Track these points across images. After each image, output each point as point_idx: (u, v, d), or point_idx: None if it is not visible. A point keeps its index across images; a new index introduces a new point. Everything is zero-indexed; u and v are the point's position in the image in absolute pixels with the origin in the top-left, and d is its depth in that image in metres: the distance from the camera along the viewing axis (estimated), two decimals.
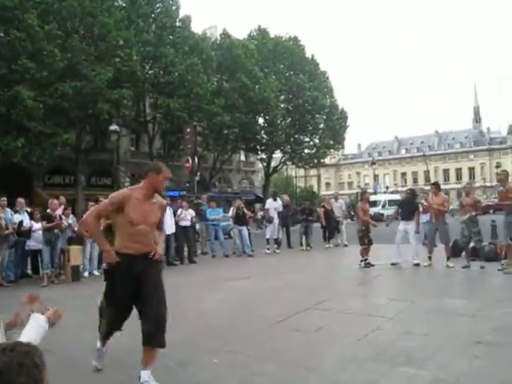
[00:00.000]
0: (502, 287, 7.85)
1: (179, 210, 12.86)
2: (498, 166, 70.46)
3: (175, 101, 27.34)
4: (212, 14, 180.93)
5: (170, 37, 29.30)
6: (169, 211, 11.86)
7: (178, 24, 30.34)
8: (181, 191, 24.94)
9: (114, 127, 20.70)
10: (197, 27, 35.75)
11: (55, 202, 10.33)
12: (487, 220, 12.04)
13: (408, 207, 10.56)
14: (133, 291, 3.68)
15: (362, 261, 10.34)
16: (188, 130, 16.85)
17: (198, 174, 17.41)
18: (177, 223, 12.45)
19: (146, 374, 3.57)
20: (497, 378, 3.56)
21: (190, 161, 16.12)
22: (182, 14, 31.02)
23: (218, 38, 36.81)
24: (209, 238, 14.53)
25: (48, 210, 10.05)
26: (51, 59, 19.87)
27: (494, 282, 8.36)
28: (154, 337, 3.59)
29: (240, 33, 54.09)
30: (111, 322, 3.87)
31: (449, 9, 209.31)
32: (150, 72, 29.74)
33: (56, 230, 9.90)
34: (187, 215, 13.00)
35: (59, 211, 10.43)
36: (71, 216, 11.32)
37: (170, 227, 11.79)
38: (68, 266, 10.08)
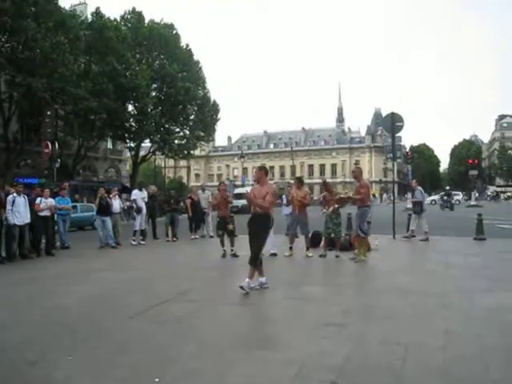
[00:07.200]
0: (351, 274, 8.70)
1: (38, 199, 12.04)
2: (356, 163, 76.97)
3: (37, 80, 25.26)
4: None
5: (32, 8, 26.71)
6: (23, 200, 11.08)
7: None
8: (40, 179, 23.25)
9: None
10: (65, 2, 33.28)
11: None
12: (344, 213, 13.14)
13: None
14: None
15: (223, 250, 10.62)
16: (48, 112, 15.74)
17: (59, 160, 16.31)
18: (35, 213, 11.65)
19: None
20: (341, 355, 4.00)
21: (50, 146, 15.10)
22: None
23: (89, 16, 34.67)
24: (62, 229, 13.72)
25: None
26: None
27: (345, 270, 9.17)
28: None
29: (111, 12, 51.34)
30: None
31: (320, 13, 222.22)
32: (6, 45, 26.99)
33: None
34: (48, 204, 12.22)
35: None
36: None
37: (24, 217, 11.01)
38: None
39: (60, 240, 13.65)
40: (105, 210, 13.73)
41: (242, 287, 6.47)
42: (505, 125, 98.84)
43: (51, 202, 12.46)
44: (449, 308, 5.53)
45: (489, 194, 74.20)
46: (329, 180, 67.36)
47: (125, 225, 17.21)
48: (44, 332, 4.96)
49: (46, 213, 12.16)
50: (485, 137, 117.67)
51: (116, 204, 14.35)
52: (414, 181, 14.27)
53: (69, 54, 27.05)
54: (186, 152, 45.16)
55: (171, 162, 76.67)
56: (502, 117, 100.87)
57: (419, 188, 14.19)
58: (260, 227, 6.76)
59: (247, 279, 6.56)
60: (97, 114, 32.16)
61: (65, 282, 8.17)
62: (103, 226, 13.66)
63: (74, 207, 20.20)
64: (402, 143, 19.71)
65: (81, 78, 28.79)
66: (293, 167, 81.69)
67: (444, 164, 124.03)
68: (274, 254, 10.48)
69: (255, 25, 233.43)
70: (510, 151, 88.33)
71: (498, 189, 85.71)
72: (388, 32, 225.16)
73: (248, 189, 44.42)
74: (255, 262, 6.66)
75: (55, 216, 13.00)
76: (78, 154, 36.24)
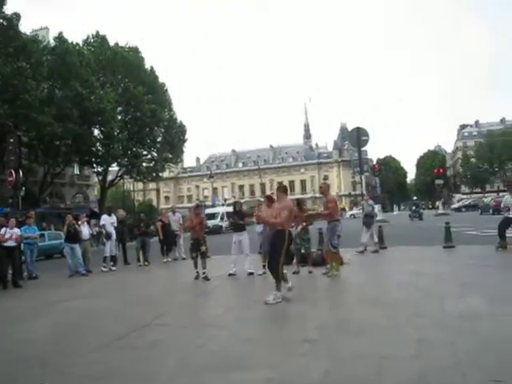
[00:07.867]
0: (324, 289, 8.75)
1: (3, 229, 11.70)
2: (325, 178, 78.08)
3: None
4: (44, 15, 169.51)
5: None
6: None
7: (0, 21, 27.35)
8: (4, 208, 22.63)
9: None
10: (26, 27, 32.72)
11: None
12: (314, 228, 13.24)
13: (237, 219, 11.05)
14: None
15: (196, 272, 10.54)
16: (11, 140, 15.42)
17: (24, 188, 15.94)
18: (0, 243, 11.31)
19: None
20: (318, 370, 3.99)
21: (14, 174, 14.75)
22: (9, 10, 28.08)
23: (51, 41, 34.31)
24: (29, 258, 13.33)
25: None
26: None
27: (318, 285, 9.21)
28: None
29: (74, 36, 50.25)
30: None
31: (282, 30, 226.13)
32: None
33: None
34: (13, 234, 11.87)
35: None
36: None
37: None
38: None
39: (27, 270, 13.25)
40: (73, 237, 13.43)
41: (267, 302, 7.00)
42: (466, 134, 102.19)
43: (16, 232, 12.12)
44: (422, 317, 5.59)
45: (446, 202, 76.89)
46: (299, 196, 68.37)
47: (94, 251, 16.86)
48: (13, 365, 4.78)
49: (12, 243, 11.80)
50: (448, 146, 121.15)
51: (85, 230, 14.09)
52: (367, 196, 15.50)
53: (31, 79, 26.68)
54: (154, 174, 44.92)
55: (140, 185, 75.89)
56: (463, 126, 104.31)
57: (370, 201, 15.12)
58: (275, 243, 7.25)
59: (274, 292, 7.15)
60: (62, 140, 31.72)
61: (34, 313, 7.92)
62: (72, 254, 13.34)
63: (42, 235, 19.72)
64: (369, 156, 20.17)
65: (44, 104, 28.40)
66: (262, 185, 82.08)
67: (411, 175, 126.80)
68: (251, 273, 10.49)
69: (220, 43, 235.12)
70: (472, 159, 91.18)
71: (464, 196, 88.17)
72: (351, 46, 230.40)
73: (219, 209, 44.35)
74: (277, 277, 7.20)
75: (22, 246, 12.64)
76: (43, 180, 35.54)
